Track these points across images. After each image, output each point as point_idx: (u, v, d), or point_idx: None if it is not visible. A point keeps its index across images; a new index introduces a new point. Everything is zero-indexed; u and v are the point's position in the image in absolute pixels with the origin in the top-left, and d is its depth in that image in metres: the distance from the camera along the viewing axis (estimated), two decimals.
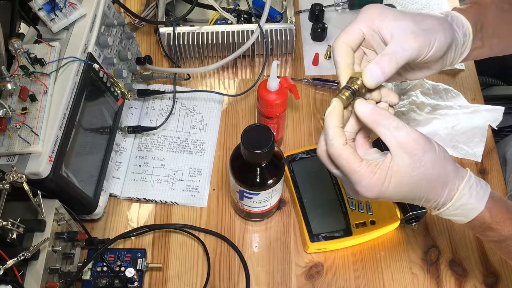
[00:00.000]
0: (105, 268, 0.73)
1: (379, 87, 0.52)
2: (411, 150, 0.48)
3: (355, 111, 0.51)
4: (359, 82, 0.50)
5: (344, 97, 0.50)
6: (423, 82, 0.87)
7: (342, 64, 0.52)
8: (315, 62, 0.94)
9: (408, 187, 0.49)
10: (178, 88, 0.89)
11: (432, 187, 0.50)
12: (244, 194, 0.70)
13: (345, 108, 0.51)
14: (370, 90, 0.52)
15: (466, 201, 0.51)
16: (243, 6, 0.94)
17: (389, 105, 0.54)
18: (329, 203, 0.77)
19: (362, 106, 0.50)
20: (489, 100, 0.91)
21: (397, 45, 0.50)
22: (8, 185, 0.57)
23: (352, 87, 0.50)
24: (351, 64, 0.52)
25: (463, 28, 0.57)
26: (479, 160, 0.84)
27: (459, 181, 0.51)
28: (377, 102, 0.53)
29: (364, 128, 0.54)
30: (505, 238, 0.53)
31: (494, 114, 0.85)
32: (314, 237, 0.74)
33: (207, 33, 0.89)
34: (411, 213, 0.74)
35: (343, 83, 0.52)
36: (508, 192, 0.84)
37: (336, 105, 0.50)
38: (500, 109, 0.85)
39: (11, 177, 0.57)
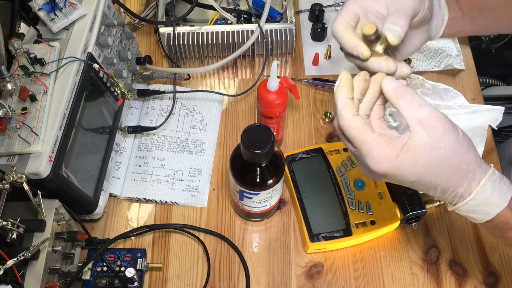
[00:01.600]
0: (105, 268, 0.73)
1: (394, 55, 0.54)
2: (432, 128, 0.46)
3: (382, 86, 0.49)
4: (381, 36, 0.51)
5: (382, 45, 0.51)
6: (423, 82, 0.87)
7: (348, 33, 0.52)
8: (315, 62, 0.94)
9: (425, 167, 0.47)
10: (178, 88, 0.89)
11: (451, 173, 0.47)
12: (244, 194, 0.70)
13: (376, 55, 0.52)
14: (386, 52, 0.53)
15: (488, 195, 0.48)
16: (243, 6, 0.94)
17: (402, 78, 0.53)
18: (329, 203, 0.77)
19: (389, 81, 0.49)
20: (489, 100, 0.91)
21: (398, 5, 0.52)
22: (8, 185, 0.57)
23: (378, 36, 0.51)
24: (353, 32, 0.53)
25: None
26: None
27: (482, 174, 0.48)
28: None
29: (379, 108, 0.52)
30: None
31: (494, 114, 0.85)
32: (314, 237, 0.74)
33: (207, 33, 0.89)
34: (411, 213, 0.74)
35: (358, 43, 0.52)
36: None
37: (344, 76, 0.50)
38: (500, 109, 0.85)
39: (11, 177, 0.57)
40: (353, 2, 0.53)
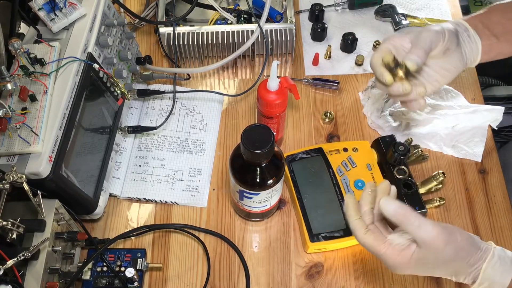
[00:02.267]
0: (105, 268, 0.73)
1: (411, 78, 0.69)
2: (434, 245, 0.54)
3: (381, 209, 0.56)
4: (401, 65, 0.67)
5: (401, 73, 0.67)
6: None
7: (378, 64, 0.68)
8: (315, 62, 0.94)
9: (433, 268, 0.56)
10: (178, 88, 0.89)
11: (457, 269, 0.56)
12: (244, 194, 0.70)
13: (398, 80, 0.67)
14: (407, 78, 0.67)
15: (492, 279, 0.56)
16: (243, 6, 0.94)
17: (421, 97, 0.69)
18: (329, 203, 0.77)
19: (387, 207, 0.56)
20: (489, 100, 0.91)
21: (417, 38, 0.66)
22: (8, 185, 0.57)
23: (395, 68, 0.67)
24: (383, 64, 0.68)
25: (461, 25, 0.70)
26: (479, 160, 0.84)
27: (482, 262, 0.56)
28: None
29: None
30: None
31: (494, 114, 0.85)
32: (314, 237, 0.74)
33: (207, 33, 0.89)
34: None
35: (380, 72, 0.67)
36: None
37: (349, 200, 0.60)
38: (500, 109, 0.85)
39: (11, 177, 0.57)
40: (387, 42, 0.69)
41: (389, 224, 0.59)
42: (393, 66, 0.67)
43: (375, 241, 0.57)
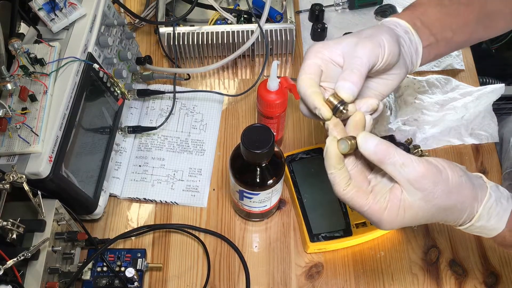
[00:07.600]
0: (105, 268, 0.73)
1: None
2: (421, 186, 0.47)
3: (358, 147, 0.49)
4: (338, 98, 0.51)
5: (339, 114, 0.51)
6: (414, 81, 0.87)
7: (311, 92, 0.51)
8: None
9: (424, 218, 0.50)
10: (178, 88, 0.89)
11: (449, 214, 0.50)
12: (244, 194, 0.70)
13: (339, 116, 0.51)
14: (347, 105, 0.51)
15: (485, 223, 0.51)
16: (243, 6, 0.94)
17: (373, 111, 0.53)
18: (329, 203, 0.77)
19: (366, 144, 0.48)
20: None
21: (351, 58, 0.51)
22: (8, 185, 0.57)
23: (338, 104, 0.50)
24: (319, 90, 0.52)
25: (401, 26, 0.58)
26: (498, 141, 0.85)
27: (478, 204, 0.51)
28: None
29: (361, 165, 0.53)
30: None
31: (497, 93, 0.85)
32: (314, 237, 0.74)
33: (207, 33, 0.89)
34: None
35: (319, 105, 0.51)
36: (503, 171, 0.84)
37: (329, 148, 0.50)
38: (501, 86, 0.86)
39: (11, 177, 0.57)
40: (310, 57, 0.53)
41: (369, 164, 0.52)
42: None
43: (356, 195, 0.49)
